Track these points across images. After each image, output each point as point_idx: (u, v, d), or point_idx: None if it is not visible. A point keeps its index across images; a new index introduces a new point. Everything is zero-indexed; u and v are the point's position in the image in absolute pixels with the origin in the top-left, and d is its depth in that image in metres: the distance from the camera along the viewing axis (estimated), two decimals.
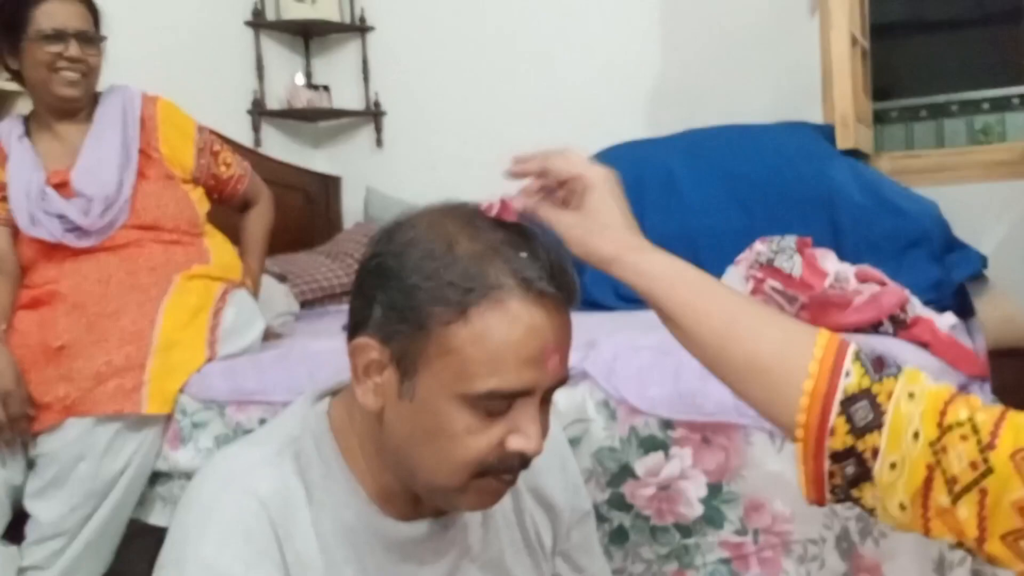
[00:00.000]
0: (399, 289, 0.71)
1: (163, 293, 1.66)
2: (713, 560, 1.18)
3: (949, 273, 1.86)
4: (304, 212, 2.84)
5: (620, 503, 1.23)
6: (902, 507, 0.61)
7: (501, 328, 0.69)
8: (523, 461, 0.74)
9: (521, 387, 0.71)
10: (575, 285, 0.75)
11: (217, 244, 1.82)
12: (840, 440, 0.62)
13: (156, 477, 1.61)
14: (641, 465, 1.21)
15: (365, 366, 0.74)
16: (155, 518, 1.63)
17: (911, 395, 0.61)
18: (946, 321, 1.43)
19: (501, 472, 0.74)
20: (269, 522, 0.75)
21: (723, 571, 1.17)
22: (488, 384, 0.70)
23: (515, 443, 0.72)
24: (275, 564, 0.74)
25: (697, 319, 0.68)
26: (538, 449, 0.73)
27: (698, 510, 1.18)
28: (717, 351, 0.69)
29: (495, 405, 0.71)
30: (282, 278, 2.26)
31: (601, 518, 1.24)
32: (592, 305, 1.96)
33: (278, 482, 0.77)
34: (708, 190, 2.01)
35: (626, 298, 1.95)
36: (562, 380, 0.75)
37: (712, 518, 1.17)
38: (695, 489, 1.18)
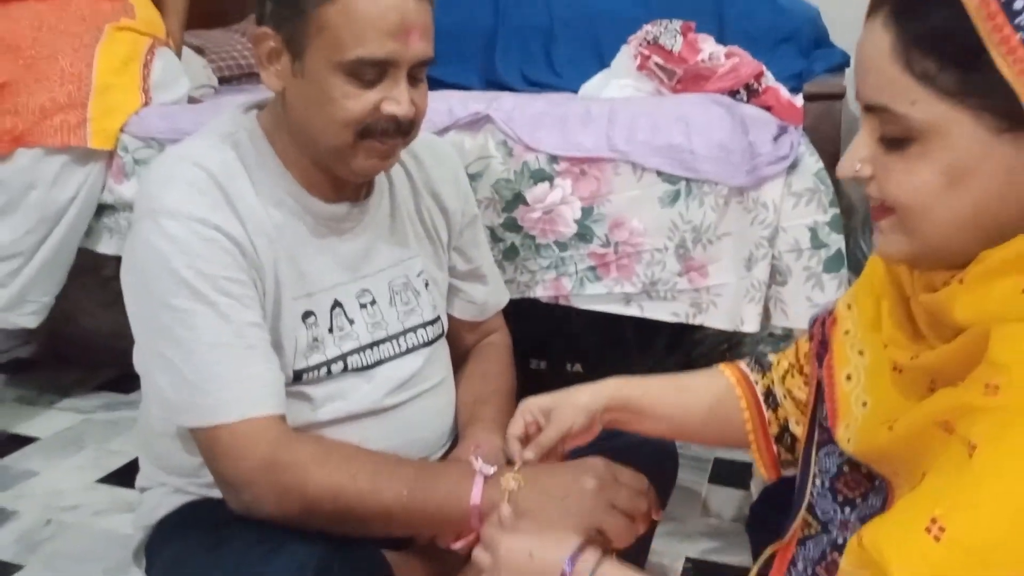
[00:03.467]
0: None
1: (95, 40, 1.78)
2: (583, 268, 1.48)
3: (811, 66, 2.12)
4: None
5: (512, 225, 1.51)
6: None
7: (364, 3, 0.87)
8: (398, 125, 0.91)
9: (384, 56, 0.88)
10: None
11: (141, 2, 1.91)
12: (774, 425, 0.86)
13: (102, 210, 1.79)
14: (530, 194, 1.47)
15: (267, 54, 0.92)
16: (103, 247, 1.81)
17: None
18: (797, 101, 1.70)
19: (381, 135, 0.92)
20: (217, 186, 0.91)
21: (590, 276, 1.48)
22: (356, 52, 0.87)
23: (388, 107, 0.90)
24: (227, 215, 0.91)
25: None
26: (407, 113, 0.91)
27: (573, 228, 1.46)
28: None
29: (366, 72, 0.89)
30: (200, 51, 2.31)
31: (496, 238, 1.51)
32: (500, 86, 2.13)
33: (222, 160, 0.93)
34: None
35: (532, 81, 2.14)
36: (426, 59, 0.92)
37: (583, 235, 1.46)
38: (571, 212, 1.46)
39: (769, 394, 0.95)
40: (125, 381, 2.06)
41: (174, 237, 0.89)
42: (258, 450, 0.90)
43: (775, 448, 0.90)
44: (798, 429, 0.89)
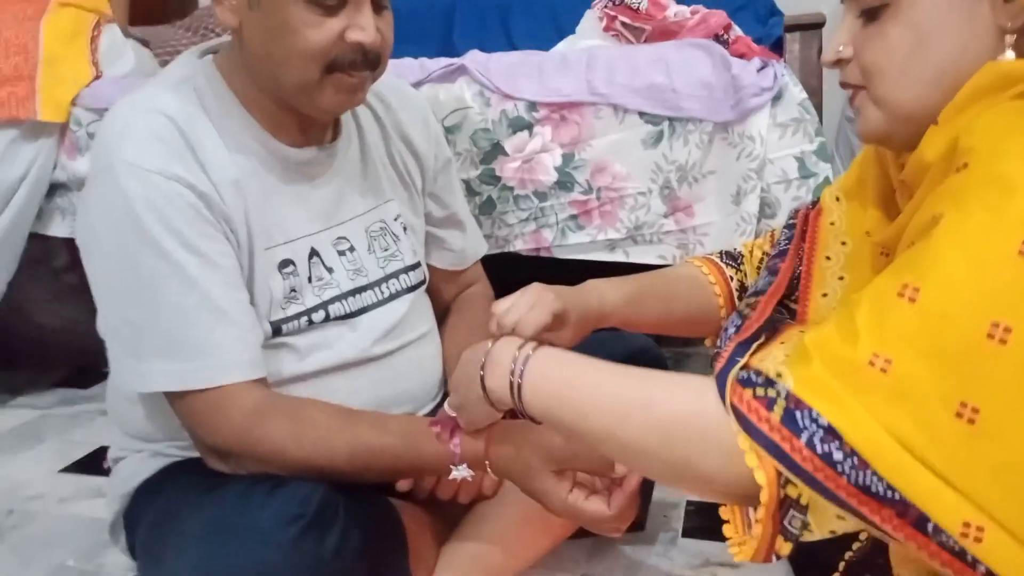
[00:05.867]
0: None
1: (40, 13, 1.70)
2: (564, 217, 1.46)
3: (771, 31, 2.15)
4: None
5: (489, 178, 1.47)
6: None
7: None
8: (365, 56, 0.87)
9: None
10: None
11: None
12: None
13: (54, 189, 1.70)
14: (510, 143, 1.44)
15: None
16: (55, 229, 1.72)
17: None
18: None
19: (348, 68, 0.87)
20: (179, 132, 0.87)
21: (572, 225, 1.46)
22: None
23: (353, 35, 0.85)
24: (191, 164, 0.86)
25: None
26: (374, 40, 0.86)
27: (553, 177, 1.43)
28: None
29: None
30: (145, 43, 2.25)
31: (472, 192, 1.48)
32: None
33: (181, 105, 0.89)
34: None
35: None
36: None
37: (564, 183, 1.44)
38: (552, 160, 1.43)
39: (743, 287, 0.97)
40: (83, 376, 1.96)
41: (135, 191, 0.84)
42: (232, 419, 0.86)
43: None
44: None
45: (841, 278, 0.82)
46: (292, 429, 0.87)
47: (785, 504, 0.57)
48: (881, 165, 0.81)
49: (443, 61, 1.49)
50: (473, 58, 1.48)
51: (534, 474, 0.84)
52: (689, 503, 1.31)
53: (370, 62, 0.89)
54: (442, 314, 1.16)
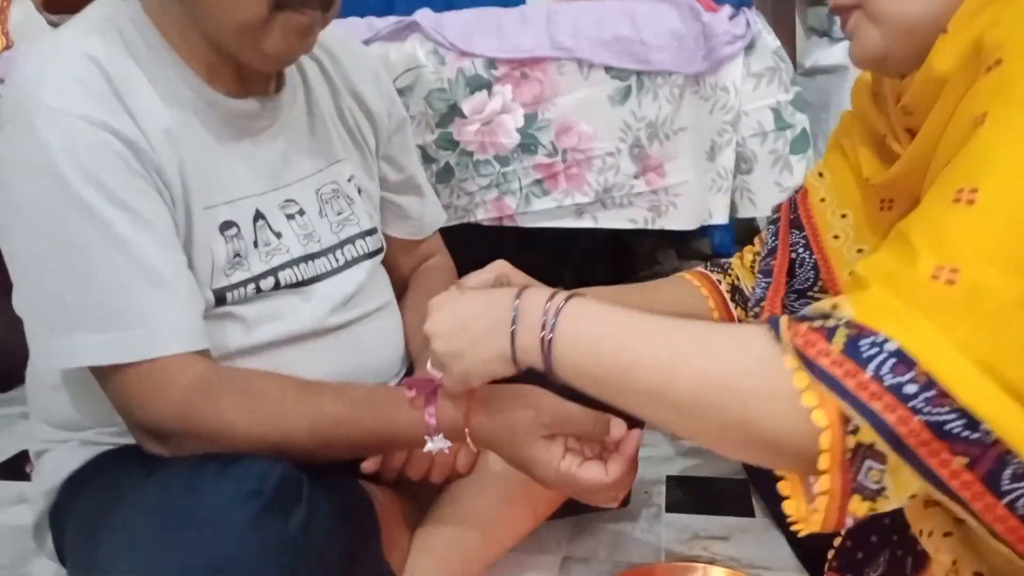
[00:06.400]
0: None
1: None
2: (528, 182, 1.37)
3: None
4: None
5: (447, 142, 1.38)
6: None
7: None
8: None
9: None
10: None
11: None
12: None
13: None
14: (468, 104, 1.35)
15: None
16: None
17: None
18: None
19: (300, 3, 0.77)
20: (104, 77, 0.76)
21: (536, 190, 1.37)
22: None
23: None
24: (118, 111, 0.76)
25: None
26: None
27: (516, 139, 1.35)
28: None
29: None
30: (54, 24, 2.12)
31: (429, 159, 1.39)
32: None
33: (106, 48, 0.78)
34: None
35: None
36: None
37: (528, 145, 1.35)
38: (513, 120, 1.34)
39: (735, 290, 0.94)
40: (2, 380, 1.79)
41: (55, 141, 0.73)
42: (172, 395, 0.76)
43: None
44: None
45: (860, 250, 0.79)
46: (242, 403, 0.77)
47: (858, 454, 0.49)
48: (864, 119, 0.78)
49: (392, 19, 1.39)
50: (424, 15, 1.38)
51: (522, 441, 0.76)
52: (670, 478, 1.25)
53: (322, 0, 0.80)
54: (400, 290, 1.07)
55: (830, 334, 0.49)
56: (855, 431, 0.48)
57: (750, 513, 1.15)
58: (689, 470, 1.27)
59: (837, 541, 0.93)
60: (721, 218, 1.27)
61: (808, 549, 1.01)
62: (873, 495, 0.49)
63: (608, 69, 1.30)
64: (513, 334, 0.63)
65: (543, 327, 0.61)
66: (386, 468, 0.88)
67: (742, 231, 2.21)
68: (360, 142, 1.01)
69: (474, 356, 0.67)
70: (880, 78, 0.76)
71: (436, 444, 0.78)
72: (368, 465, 0.86)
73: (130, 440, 0.82)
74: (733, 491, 1.20)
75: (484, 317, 0.66)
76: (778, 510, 1.21)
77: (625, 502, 1.10)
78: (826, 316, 0.51)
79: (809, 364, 0.49)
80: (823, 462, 0.49)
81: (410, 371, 1.00)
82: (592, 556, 1.06)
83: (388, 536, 0.87)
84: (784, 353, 0.51)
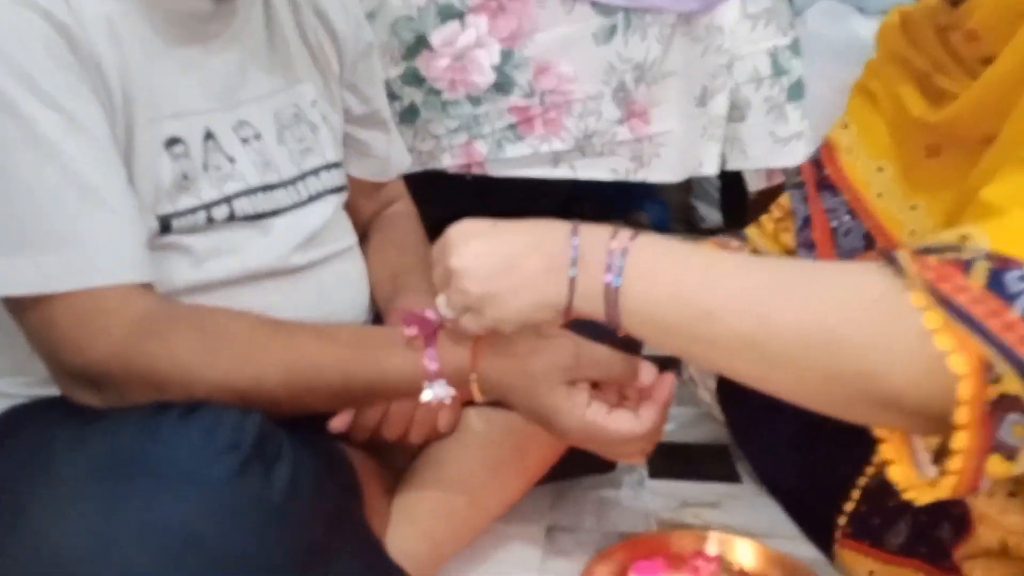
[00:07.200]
0: None
1: None
2: (501, 126, 1.27)
3: None
4: None
5: (413, 78, 1.26)
6: None
7: None
8: None
9: None
10: None
11: None
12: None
13: None
14: (437, 35, 1.23)
15: None
16: None
17: None
18: None
19: None
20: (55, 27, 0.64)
21: (510, 135, 1.27)
22: None
23: None
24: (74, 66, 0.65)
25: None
26: None
27: (490, 78, 1.24)
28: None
29: None
30: None
31: (392, 95, 1.26)
32: None
33: None
34: None
35: None
36: None
37: (502, 85, 1.25)
38: (488, 57, 1.24)
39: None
40: None
41: None
42: (111, 332, 0.64)
43: None
44: None
45: (913, 207, 0.71)
46: (200, 342, 0.65)
47: (1000, 406, 0.41)
48: (900, 61, 0.72)
49: None
50: None
51: (539, 386, 0.66)
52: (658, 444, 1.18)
53: None
54: (359, 237, 0.96)
55: (967, 267, 0.42)
56: (996, 380, 0.41)
57: (736, 479, 1.10)
58: (672, 435, 1.21)
59: (849, 506, 0.87)
60: (711, 168, 1.20)
61: (807, 516, 0.96)
62: (1013, 453, 0.42)
63: (593, 4, 1.21)
64: (573, 281, 0.54)
65: (608, 269, 0.52)
66: (357, 427, 0.77)
67: (679, 210, 2.16)
68: (323, 66, 0.90)
69: (517, 301, 0.57)
70: (912, 16, 0.70)
71: (435, 392, 0.68)
72: (337, 423, 0.74)
73: (47, 392, 0.70)
74: (715, 456, 1.15)
75: (536, 256, 0.56)
76: (769, 476, 1.15)
77: (612, 465, 1.03)
78: (956, 248, 0.43)
79: (944, 301, 0.42)
80: (961, 415, 0.41)
81: (377, 322, 0.90)
82: (578, 525, 0.98)
83: (368, 502, 0.76)
84: (909, 289, 0.43)
